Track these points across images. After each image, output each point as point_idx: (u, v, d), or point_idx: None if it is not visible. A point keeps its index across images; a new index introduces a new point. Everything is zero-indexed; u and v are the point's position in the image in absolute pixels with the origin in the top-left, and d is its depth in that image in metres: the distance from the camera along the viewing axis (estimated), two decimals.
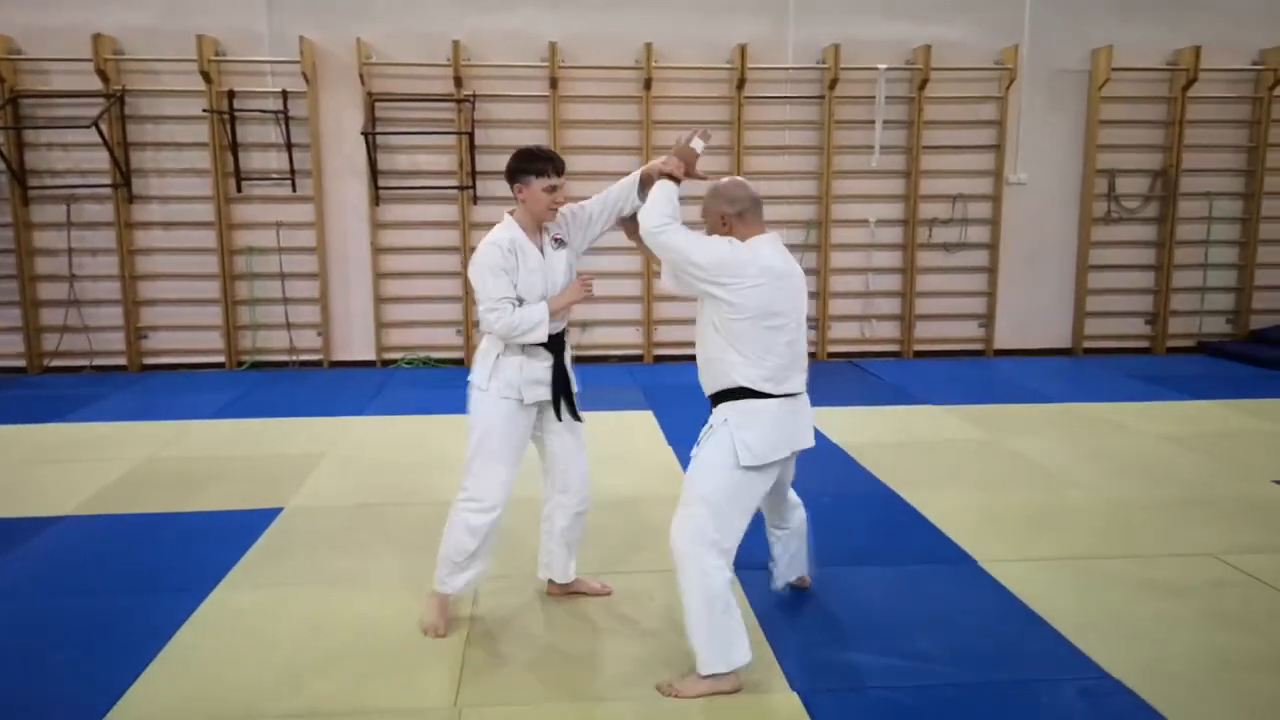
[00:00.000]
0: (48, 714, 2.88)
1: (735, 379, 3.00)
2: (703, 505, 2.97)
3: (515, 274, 3.27)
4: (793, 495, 3.52)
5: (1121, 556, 4.10)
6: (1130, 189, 9.13)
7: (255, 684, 3.06)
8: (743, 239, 3.04)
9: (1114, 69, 8.69)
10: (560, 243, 3.40)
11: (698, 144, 3.26)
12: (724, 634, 2.94)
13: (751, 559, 3.97)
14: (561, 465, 3.53)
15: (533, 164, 3.27)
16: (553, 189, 3.28)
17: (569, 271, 3.42)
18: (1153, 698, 2.92)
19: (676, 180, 3.21)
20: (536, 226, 3.36)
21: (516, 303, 3.26)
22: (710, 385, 3.10)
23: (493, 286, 3.24)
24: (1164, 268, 9.21)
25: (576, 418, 3.49)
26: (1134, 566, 3.98)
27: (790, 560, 3.59)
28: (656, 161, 3.28)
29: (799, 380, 3.08)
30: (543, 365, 3.36)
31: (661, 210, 3.10)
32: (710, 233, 3.11)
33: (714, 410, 3.09)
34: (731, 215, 3.05)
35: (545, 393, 3.37)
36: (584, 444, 3.57)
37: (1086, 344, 9.31)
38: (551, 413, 3.45)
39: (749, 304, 2.94)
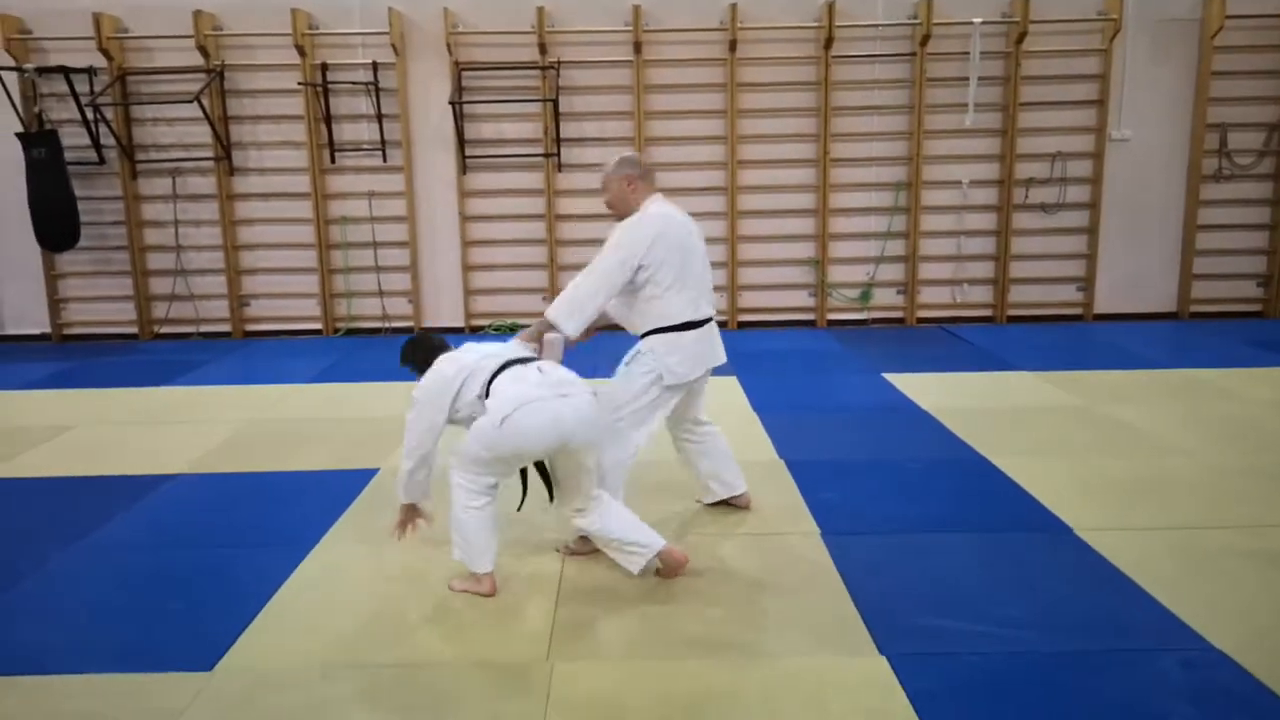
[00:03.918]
0: (163, 662, 3.04)
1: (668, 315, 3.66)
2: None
3: None
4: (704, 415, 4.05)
5: (1227, 526, 3.94)
6: (1244, 144, 8.65)
7: (355, 635, 3.19)
8: (645, 198, 3.70)
9: (1228, 16, 8.21)
10: None
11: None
12: None
13: (840, 526, 3.96)
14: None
15: None
16: None
17: None
18: (1259, 670, 2.81)
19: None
20: None
21: None
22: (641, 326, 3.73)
23: None
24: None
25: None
26: (1241, 537, 3.82)
27: (720, 477, 4.08)
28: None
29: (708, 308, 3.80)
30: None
31: (571, 312, 3.62)
32: (616, 197, 3.71)
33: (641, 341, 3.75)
34: (635, 177, 3.69)
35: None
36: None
37: (1193, 308, 8.90)
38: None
39: (659, 257, 3.59)
